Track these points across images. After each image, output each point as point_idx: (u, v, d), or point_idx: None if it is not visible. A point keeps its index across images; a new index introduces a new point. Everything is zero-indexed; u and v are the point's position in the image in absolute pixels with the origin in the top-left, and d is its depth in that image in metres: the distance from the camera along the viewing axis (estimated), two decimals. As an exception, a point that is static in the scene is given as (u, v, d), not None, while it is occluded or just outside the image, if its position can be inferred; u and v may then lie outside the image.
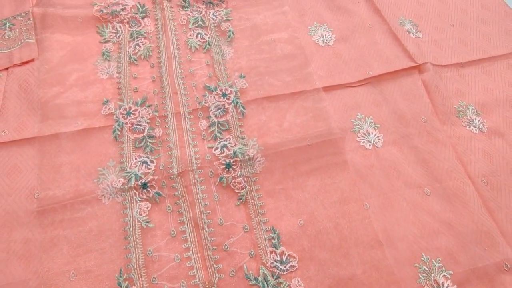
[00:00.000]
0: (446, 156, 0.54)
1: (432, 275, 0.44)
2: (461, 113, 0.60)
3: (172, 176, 0.47)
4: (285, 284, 0.42)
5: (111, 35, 0.63)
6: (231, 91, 0.56)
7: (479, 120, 0.59)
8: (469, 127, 0.58)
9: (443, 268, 0.44)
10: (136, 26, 0.65)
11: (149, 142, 0.50)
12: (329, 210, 0.47)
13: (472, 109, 0.60)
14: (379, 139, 0.54)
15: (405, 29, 0.68)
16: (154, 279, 0.41)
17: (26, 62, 0.61)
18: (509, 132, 0.58)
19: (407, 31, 0.68)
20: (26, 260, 0.42)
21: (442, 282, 0.43)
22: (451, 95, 0.61)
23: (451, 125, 0.58)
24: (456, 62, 0.66)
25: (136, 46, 0.62)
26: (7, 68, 0.60)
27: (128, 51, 0.61)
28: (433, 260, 0.45)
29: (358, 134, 0.54)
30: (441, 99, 0.60)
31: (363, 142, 0.54)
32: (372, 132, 0.55)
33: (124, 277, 0.41)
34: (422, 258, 0.45)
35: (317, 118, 0.54)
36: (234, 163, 0.48)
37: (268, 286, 0.41)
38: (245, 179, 0.48)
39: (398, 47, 0.65)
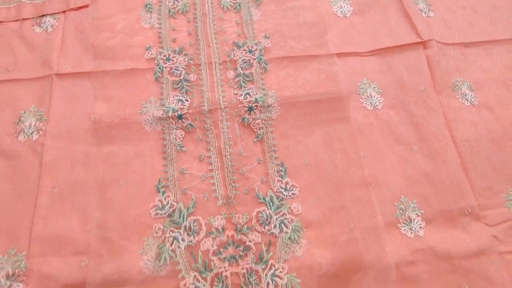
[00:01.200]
0: (436, 121, 0.62)
1: (407, 212, 0.54)
2: (456, 87, 0.67)
3: (204, 112, 0.57)
4: (286, 206, 0.52)
5: (154, -10, 0.71)
6: (256, 48, 0.65)
7: (471, 95, 0.66)
8: (462, 99, 0.66)
9: (417, 208, 0.54)
10: (176, -16, 0.73)
11: (185, 84, 0.60)
12: (330, 154, 0.56)
13: (467, 84, 0.68)
14: (379, 102, 0.63)
15: (418, 8, 0.74)
16: (184, 190, 0.53)
17: (80, 8, 0.70)
18: (497, 107, 0.65)
19: (420, 10, 0.74)
20: (86, 167, 0.53)
21: (414, 218, 0.53)
22: (450, 70, 0.68)
23: (445, 96, 0.65)
24: (461, 41, 0.73)
25: (175, 1, 0.70)
26: (64, 12, 0.69)
27: (168, 5, 0.70)
28: (409, 202, 0.55)
29: (362, 96, 0.63)
30: (440, 73, 0.67)
31: (366, 103, 0.63)
32: (374, 96, 0.63)
33: (162, 185, 0.53)
34: (401, 200, 0.55)
35: (328, 79, 0.63)
36: (255, 107, 0.58)
37: (273, 205, 0.52)
38: (263, 122, 0.58)
39: (408, 24, 0.71)
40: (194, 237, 0.49)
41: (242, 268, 0.47)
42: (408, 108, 0.63)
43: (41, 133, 0.55)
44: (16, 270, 0.47)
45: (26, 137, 0.55)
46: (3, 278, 0.46)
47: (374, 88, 0.65)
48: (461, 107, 0.66)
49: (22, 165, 0.52)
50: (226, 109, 0.58)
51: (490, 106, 0.66)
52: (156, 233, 0.50)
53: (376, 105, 0.63)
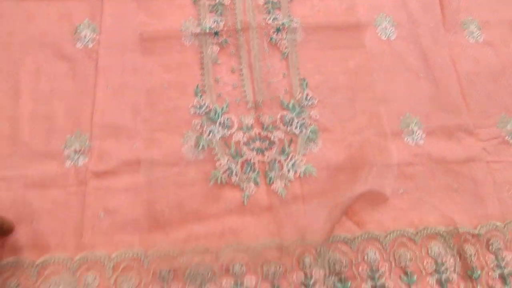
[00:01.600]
0: (442, 54, 0.69)
1: (410, 125, 0.62)
2: (465, 25, 0.73)
3: (237, 30, 0.65)
4: (306, 112, 0.61)
5: None
6: (283, -21, 0.71)
7: (478, 33, 0.72)
8: (468, 37, 0.72)
9: (419, 122, 0.62)
10: None
11: (220, 8, 0.67)
12: (345, 73, 0.64)
13: (475, 24, 0.73)
14: (393, 33, 0.69)
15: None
16: (219, 94, 0.61)
17: None
18: (499, 45, 0.71)
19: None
20: (134, 73, 0.61)
21: (416, 130, 0.61)
22: (461, 10, 0.74)
23: (453, 33, 0.72)
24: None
25: None
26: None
27: None
28: (413, 117, 0.63)
29: (378, 28, 0.69)
30: (450, 12, 0.73)
31: (380, 34, 0.69)
32: (389, 28, 0.70)
33: (200, 90, 0.61)
34: (406, 115, 0.63)
35: (348, 10, 0.69)
36: (282, 29, 0.65)
37: (295, 111, 0.60)
38: (288, 42, 0.65)
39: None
40: (227, 130, 0.58)
41: (267, 158, 0.56)
42: (418, 40, 0.70)
43: (95, 42, 0.63)
44: (82, 148, 0.57)
45: (83, 45, 0.63)
46: (73, 152, 0.56)
47: (389, 21, 0.71)
48: (466, 44, 0.72)
49: (80, 67, 0.61)
50: (257, 29, 0.65)
51: (493, 44, 0.72)
52: (195, 127, 0.59)
53: (390, 36, 0.70)
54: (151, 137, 0.58)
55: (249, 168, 0.56)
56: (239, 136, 0.58)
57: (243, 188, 0.54)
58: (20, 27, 0.64)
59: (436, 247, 0.53)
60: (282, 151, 0.58)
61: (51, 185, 0.54)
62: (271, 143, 0.58)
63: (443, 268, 0.52)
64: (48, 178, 0.54)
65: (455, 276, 0.52)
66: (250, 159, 0.56)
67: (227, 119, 0.60)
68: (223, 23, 0.66)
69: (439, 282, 0.52)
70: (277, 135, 0.59)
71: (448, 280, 0.52)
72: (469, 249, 0.53)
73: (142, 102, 0.60)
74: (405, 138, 0.61)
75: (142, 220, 0.52)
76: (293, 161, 0.56)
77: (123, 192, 0.54)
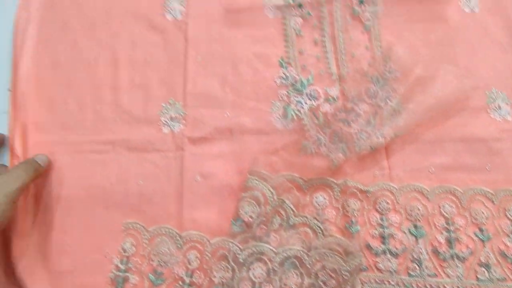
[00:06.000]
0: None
1: (497, 100, 0.61)
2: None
3: (320, 2, 0.64)
4: (390, 85, 0.61)
5: None
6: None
7: None
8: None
9: (506, 97, 0.61)
10: None
11: (301, -20, 0.67)
12: (427, 47, 0.63)
13: None
14: (476, 6, 0.67)
15: None
16: (304, 66, 0.62)
17: None
18: None
19: None
20: (221, 44, 0.62)
21: (503, 106, 0.60)
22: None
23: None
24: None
25: None
26: None
27: None
28: (499, 92, 0.62)
29: (461, 1, 0.67)
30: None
31: (463, 6, 0.67)
32: (472, 0, 0.68)
33: (285, 61, 0.63)
34: (492, 90, 0.62)
35: (431, -19, 0.67)
36: (365, 1, 0.65)
37: (379, 83, 0.60)
38: (370, 15, 0.65)
39: None
40: (314, 101, 0.60)
41: (354, 129, 0.58)
42: (504, 13, 0.67)
43: (183, 14, 0.65)
44: (177, 115, 0.60)
45: (172, 17, 0.65)
46: (169, 119, 0.60)
47: (473, -7, 0.69)
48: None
49: (171, 38, 0.64)
50: (340, 1, 0.65)
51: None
52: (282, 97, 0.61)
53: (473, 9, 0.68)
54: (241, 106, 0.60)
55: (336, 138, 0.58)
56: (326, 107, 0.60)
57: (331, 158, 0.56)
58: (117, 2, 0.66)
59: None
60: (368, 123, 0.59)
61: (152, 149, 0.58)
62: (357, 114, 0.59)
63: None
64: (149, 142, 0.58)
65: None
66: (337, 130, 0.58)
67: (313, 90, 0.61)
68: (306, -5, 0.67)
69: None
70: (362, 107, 0.60)
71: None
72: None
73: (230, 73, 0.62)
74: (491, 113, 0.61)
75: (235, 186, 0.56)
76: (380, 131, 0.57)
77: (216, 158, 0.57)
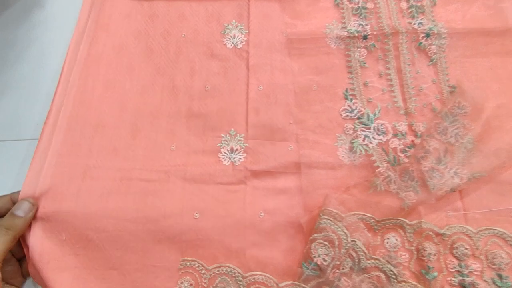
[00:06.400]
0: None
1: None
2: None
3: (386, 34, 0.63)
4: (460, 121, 0.58)
5: None
6: (425, -15, 0.69)
7: None
8: None
9: None
10: None
11: (363, 11, 0.66)
12: (496, 80, 0.61)
13: None
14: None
15: None
16: (369, 99, 0.60)
17: None
18: None
19: None
20: (284, 73, 0.62)
21: None
22: None
23: None
24: None
25: None
26: None
27: None
28: None
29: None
30: None
31: (531, 40, 0.65)
32: (538, 35, 0.66)
33: (350, 93, 0.61)
34: None
35: (496, 16, 0.65)
36: (431, 34, 0.63)
37: (448, 119, 0.58)
38: (437, 48, 0.63)
39: None
40: (383, 137, 0.57)
41: (424, 167, 0.55)
42: None
43: (244, 42, 0.64)
44: (238, 147, 0.58)
45: (232, 45, 0.64)
46: (228, 151, 0.57)
47: (537, 27, 0.67)
48: None
49: (231, 66, 0.63)
50: (406, 33, 0.63)
51: None
52: (347, 131, 0.58)
53: (540, 44, 0.66)
54: (305, 139, 0.58)
55: (407, 176, 0.55)
56: (395, 143, 0.57)
57: (402, 197, 0.53)
58: (174, 27, 0.66)
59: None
60: (438, 160, 0.56)
61: (211, 181, 0.55)
62: (427, 151, 0.57)
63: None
64: (208, 174, 0.56)
65: None
66: (408, 167, 0.55)
67: (381, 125, 0.59)
68: (369, 26, 0.65)
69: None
70: (432, 144, 0.57)
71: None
72: None
73: (293, 103, 0.60)
74: None
75: (303, 224, 0.52)
76: (453, 169, 0.55)
77: (281, 193, 0.54)
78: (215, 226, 0.53)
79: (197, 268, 0.52)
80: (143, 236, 0.53)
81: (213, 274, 0.51)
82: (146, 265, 0.52)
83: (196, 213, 0.54)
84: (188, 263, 0.52)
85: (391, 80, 0.62)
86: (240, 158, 0.57)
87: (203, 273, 0.52)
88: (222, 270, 0.52)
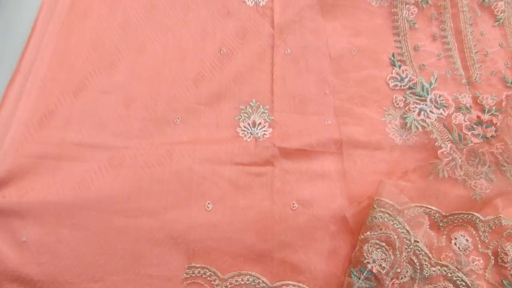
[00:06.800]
0: None
1: None
2: None
3: (442, -12, 0.52)
4: (535, 94, 0.48)
5: None
6: None
7: None
8: None
9: None
10: None
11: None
12: None
13: None
14: None
15: None
16: (423, 65, 0.49)
17: None
18: None
19: None
20: (315, 35, 0.51)
21: None
22: None
23: None
24: None
25: None
26: None
27: None
28: None
29: None
30: None
31: None
32: None
33: (397, 59, 0.50)
34: None
35: None
36: (497, -11, 0.52)
37: (521, 90, 0.47)
38: (505, 4, 0.52)
39: None
40: (443, 110, 0.46)
41: (497, 148, 0.44)
42: None
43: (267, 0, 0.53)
44: (261, 120, 0.46)
45: (253, 2, 0.52)
46: (249, 125, 0.45)
47: None
48: None
49: (252, 26, 0.51)
50: (465, -13, 0.53)
51: None
52: (397, 104, 0.47)
53: None
54: (346, 112, 0.46)
55: (477, 160, 0.44)
56: (459, 118, 0.46)
57: (470, 185, 0.42)
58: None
59: None
60: (514, 141, 0.45)
61: (228, 161, 0.43)
62: (498, 129, 0.46)
63: None
64: (223, 152, 0.43)
65: None
66: (477, 148, 0.44)
67: (439, 96, 0.48)
68: (420, -20, 0.55)
69: None
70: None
71: None
72: None
73: (328, 70, 0.49)
74: None
75: (348, 218, 0.41)
76: (535, 154, 0.44)
77: (319, 178, 0.42)
78: (233, 221, 0.40)
79: (208, 278, 0.39)
80: (136, 235, 0.39)
81: (229, 286, 0.39)
82: (139, 274, 0.38)
83: (208, 203, 0.41)
84: (196, 271, 0.39)
85: (448, 43, 0.51)
86: (265, 134, 0.45)
87: (217, 284, 0.39)
88: (242, 280, 0.39)
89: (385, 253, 0.37)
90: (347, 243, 0.40)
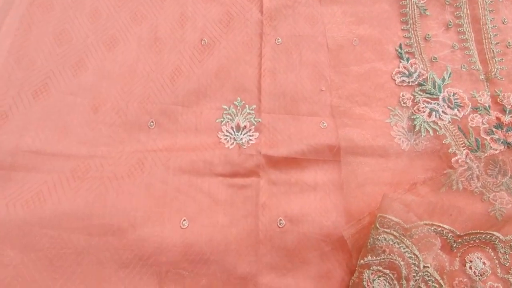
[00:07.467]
0: None
1: None
2: None
3: (456, -30, 0.46)
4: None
5: None
6: None
7: None
8: None
9: None
10: None
11: None
12: None
13: None
14: None
15: None
16: (434, 58, 0.43)
17: None
18: None
19: None
20: (311, 23, 0.45)
21: None
22: None
23: None
24: None
25: None
26: None
27: None
28: None
29: None
30: None
31: None
32: None
33: (405, 50, 0.43)
34: None
35: None
36: (520, -30, 0.46)
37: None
38: (529, -12, 0.46)
39: None
40: (458, 111, 0.40)
41: (520, 156, 0.38)
42: None
43: (256, -19, 0.47)
44: (246, 123, 0.40)
45: (240, -16, 0.47)
46: (233, 129, 0.39)
47: None
48: None
49: (238, 12, 0.45)
50: (485, -31, 0.46)
51: None
52: (404, 102, 0.41)
53: None
54: (345, 112, 0.40)
55: (496, 169, 0.38)
56: (477, 121, 0.40)
57: (488, 199, 0.37)
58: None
59: None
60: (541, 147, 0.39)
61: (207, 172, 0.37)
62: (522, 133, 0.40)
63: None
64: (203, 161, 0.38)
65: None
66: (498, 156, 0.38)
67: (453, 95, 0.42)
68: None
69: None
70: (530, 122, 0.40)
71: None
72: None
73: (325, 63, 0.43)
74: None
75: (344, 237, 0.36)
76: None
77: (311, 191, 0.37)
78: (211, 240, 0.35)
79: None
80: (99, 256, 0.34)
81: (208, 315, 0.34)
82: None
83: (184, 220, 0.36)
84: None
85: (463, 33, 0.44)
86: (250, 139, 0.39)
87: None
88: (222, 309, 0.35)
89: (389, 282, 0.31)
90: (342, 266, 0.34)
